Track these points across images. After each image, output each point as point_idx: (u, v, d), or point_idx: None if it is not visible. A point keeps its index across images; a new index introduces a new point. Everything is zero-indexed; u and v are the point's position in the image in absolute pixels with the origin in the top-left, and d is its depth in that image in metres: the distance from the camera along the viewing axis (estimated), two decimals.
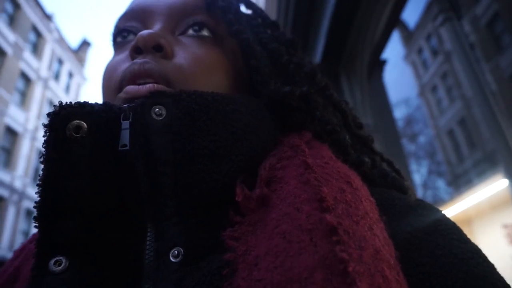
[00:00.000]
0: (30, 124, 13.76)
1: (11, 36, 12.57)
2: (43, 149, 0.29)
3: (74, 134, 0.29)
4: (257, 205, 0.29)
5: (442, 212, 0.33)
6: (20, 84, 13.40)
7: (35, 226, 0.29)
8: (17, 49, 12.92)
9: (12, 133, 12.90)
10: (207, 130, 0.32)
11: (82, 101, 0.31)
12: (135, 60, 0.36)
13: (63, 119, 0.29)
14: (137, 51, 0.37)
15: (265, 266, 0.23)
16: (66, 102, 0.31)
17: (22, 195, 13.09)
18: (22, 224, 13.16)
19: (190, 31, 0.40)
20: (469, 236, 0.31)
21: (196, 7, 0.41)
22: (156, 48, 0.37)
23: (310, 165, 0.31)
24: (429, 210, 0.33)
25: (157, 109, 0.31)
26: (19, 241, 12.62)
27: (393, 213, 0.31)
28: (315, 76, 0.45)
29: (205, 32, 0.41)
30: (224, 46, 0.42)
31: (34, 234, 0.42)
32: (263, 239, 0.26)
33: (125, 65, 0.38)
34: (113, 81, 0.38)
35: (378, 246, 0.25)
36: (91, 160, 0.29)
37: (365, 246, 0.24)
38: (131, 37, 0.42)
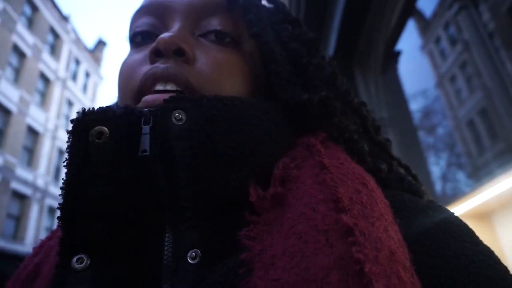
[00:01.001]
0: (50, 124, 14.11)
1: (30, 38, 12.87)
2: (66, 154, 0.30)
3: (96, 140, 0.30)
4: (272, 204, 0.30)
5: (454, 213, 0.33)
6: (39, 85, 13.73)
7: (59, 226, 0.30)
8: (36, 50, 13.22)
9: (33, 133, 13.27)
10: (227, 136, 0.32)
11: (104, 106, 0.32)
12: (156, 64, 0.36)
13: (86, 125, 0.30)
14: (157, 54, 0.36)
15: (281, 266, 0.24)
16: (89, 108, 0.31)
17: (45, 193, 13.47)
18: (45, 221, 13.54)
19: (211, 37, 0.40)
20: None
21: (216, 5, 0.40)
22: (178, 53, 0.36)
23: (326, 166, 0.31)
24: (440, 211, 0.32)
25: (177, 114, 0.31)
26: (43, 237, 12.94)
27: (405, 215, 0.31)
28: (336, 80, 0.45)
29: (226, 39, 0.40)
30: (243, 48, 0.41)
31: (52, 231, 0.43)
32: (279, 239, 0.26)
33: (145, 67, 0.37)
34: (131, 83, 0.38)
35: (393, 247, 0.25)
36: (112, 164, 0.30)
37: (380, 247, 0.24)
38: (150, 36, 0.41)
